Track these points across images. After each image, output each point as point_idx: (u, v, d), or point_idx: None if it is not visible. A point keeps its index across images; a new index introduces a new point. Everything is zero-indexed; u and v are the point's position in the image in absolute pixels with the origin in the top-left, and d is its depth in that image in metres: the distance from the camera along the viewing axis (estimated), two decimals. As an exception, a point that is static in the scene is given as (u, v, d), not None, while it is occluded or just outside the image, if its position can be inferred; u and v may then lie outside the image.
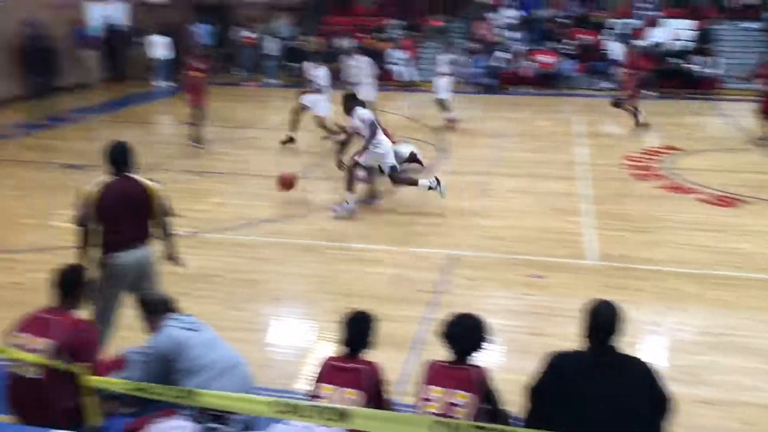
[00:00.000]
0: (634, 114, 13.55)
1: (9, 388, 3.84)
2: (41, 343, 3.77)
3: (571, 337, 4.91)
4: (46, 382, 3.73)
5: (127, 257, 4.78)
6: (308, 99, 12.08)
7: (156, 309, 4.25)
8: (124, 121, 14.30)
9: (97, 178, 4.78)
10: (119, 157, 4.86)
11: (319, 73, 12.10)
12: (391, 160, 8.53)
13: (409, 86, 19.00)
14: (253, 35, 19.76)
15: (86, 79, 18.45)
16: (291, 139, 11.95)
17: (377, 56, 19.13)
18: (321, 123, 12.16)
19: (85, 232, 4.74)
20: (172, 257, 5.22)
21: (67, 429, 3.57)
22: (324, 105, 12.08)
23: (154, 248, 5.00)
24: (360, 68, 13.03)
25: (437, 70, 14.20)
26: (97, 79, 18.72)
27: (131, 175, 4.87)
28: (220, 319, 5.79)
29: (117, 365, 4.25)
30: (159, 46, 18.78)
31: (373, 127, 8.41)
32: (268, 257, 7.31)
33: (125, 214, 4.78)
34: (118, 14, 19.74)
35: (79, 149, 11.87)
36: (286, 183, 8.85)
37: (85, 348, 3.80)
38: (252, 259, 7.23)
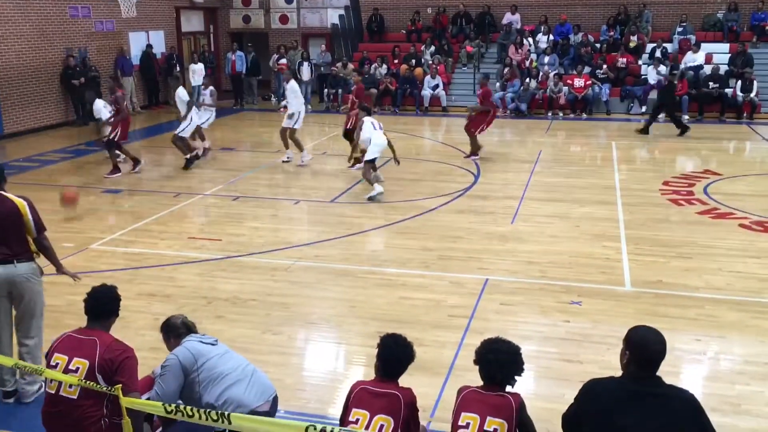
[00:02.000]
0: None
1: (44, 407, 3.93)
2: (75, 363, 3.84)
3: (608, 365, 4.83)
4: (80, 402, 3.79)
5: None
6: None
7: (179, 334, 4.34)
8: (163, 146, 14.59)
9: None
10: None
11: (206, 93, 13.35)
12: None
13: (442, 112, 19.10)
14: (287, 62, 20.10)
15: (127, 105, 18.95)
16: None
17: (412, 82, 19.38)
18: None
19: None
20: (60, 272, 5.18)
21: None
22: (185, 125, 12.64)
23: (32, 266, 4.94)
24: (293, 92, 13.00)
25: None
26: (137, 105, 19.22)
27: (2, 192, 4.95)
28: (255, 342, 5.86)
29: (148, 385, 4.31)
30: (197, 74, 19.23)
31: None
32: (303, 281, 7.35)
33: None
34: (159, 42, 20.29)
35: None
36: (69, 199, 9.42)
37: (119, 368, 3.83)
38: (287, 283, 7.28)
